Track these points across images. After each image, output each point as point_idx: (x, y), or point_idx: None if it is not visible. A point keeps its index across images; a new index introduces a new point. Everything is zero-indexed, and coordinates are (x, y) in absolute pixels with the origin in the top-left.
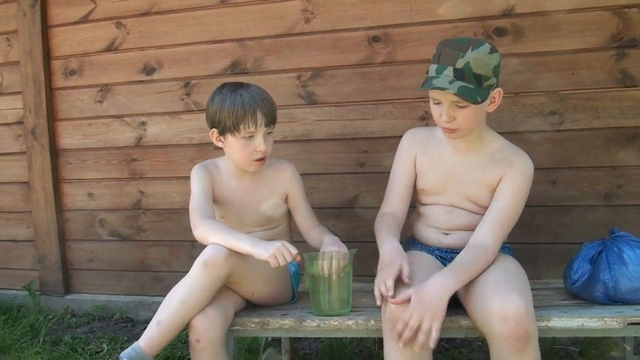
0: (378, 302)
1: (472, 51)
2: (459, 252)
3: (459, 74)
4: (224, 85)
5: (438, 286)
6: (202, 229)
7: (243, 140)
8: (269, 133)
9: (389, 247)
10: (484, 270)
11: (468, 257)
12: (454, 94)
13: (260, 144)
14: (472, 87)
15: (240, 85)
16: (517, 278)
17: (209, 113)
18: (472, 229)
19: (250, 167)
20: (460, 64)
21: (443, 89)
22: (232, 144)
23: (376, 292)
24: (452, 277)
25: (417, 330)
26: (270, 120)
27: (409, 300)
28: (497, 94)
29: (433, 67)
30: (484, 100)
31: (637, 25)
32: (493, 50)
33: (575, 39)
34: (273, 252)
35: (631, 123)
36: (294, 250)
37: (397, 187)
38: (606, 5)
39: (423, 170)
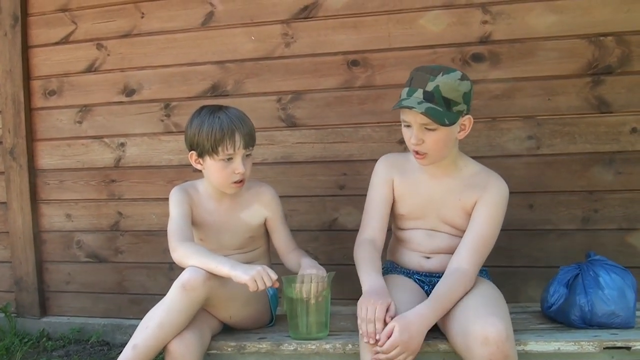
0: (365, 340)
1: (442, 76)
2: (438, 276)
3: (428, 96)
4: (202, 108)
5: (419, 322)
6: (181, 252)
7: (221, 162)
8: (247, 155)
9: (373, 283)
10: (463, 295)
11: (447, 287)
12: (421, 113)
13: (238, 166)
14: (441, 110)
15: (219, 107)
16: (496, 302)
17: (188, 135)
18: (453, 251)
19: (229, 189)
20: (430, 87)
21: (411, 107)
22: (211, 167)
23: (363, 330)
24: (433, 312)
25: None
26: (249, 142)
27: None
28: (467, 121)
29: (405, 91)
30: (452, 123)
31: (613, 53)
32: (464, 77)
33: (552, 66)
34: (253, 276)
35: (607, 148)
36: (274, 276)
37: (375, 213)
38: (582, 34)
39: (402, 196)
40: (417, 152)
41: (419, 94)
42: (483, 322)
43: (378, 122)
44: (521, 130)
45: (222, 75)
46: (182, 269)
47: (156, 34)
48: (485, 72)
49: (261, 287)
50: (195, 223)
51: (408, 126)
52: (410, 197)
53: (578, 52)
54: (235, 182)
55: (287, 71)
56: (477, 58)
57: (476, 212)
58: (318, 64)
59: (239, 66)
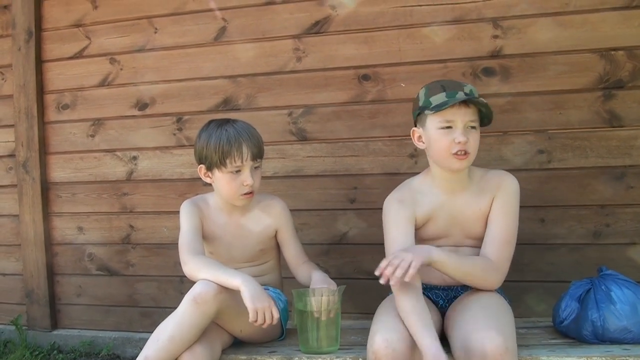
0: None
1: (467, 84)
2: (457, 289)
3: (470, 95)
4: (210, 122)
5: (424, 247)
6: (192, 265)
7: (230, 174)
8: (256, 167)
9: (432, 344)
10: (468, 304)
11: (468, 257)
12: (485, 102)
13: (247, 178)
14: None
15: (227, 121)
16: (498, 314)
17: (197, 149)
18: None
19: (238, 201)
20: (467, 89)
21: (476, 98)
22: (220, 179)
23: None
24: (440, 252)
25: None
26: (257, 154)
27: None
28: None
29: (440, 95)
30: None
31: (624, 67)
32: None
33: (563, 80)
34: (257, 308)
35: (618, 162)
36: (276, 315)
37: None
38: (593, 48)
39: (425, 222)
40: (462, 152)
41: (461, 95)
42: (482, 336)
43: (389, 136)
44: (532, 144)
45: (234, 90)
46: (193, 282)
47: (169, 48)
48: (497, 86)
49: (260, 321)
50: (205, 236)
51: (448, 127)
52: (434, 222)
53: (589, 66)
54: (244, 194)
55: (298, 85)
56: (488, 72)
57: (493, 211)
58: (329, 78)
59: (250, 80)
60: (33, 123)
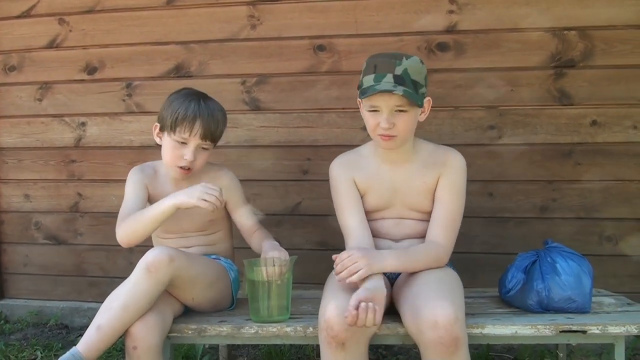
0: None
1: (406, 60)
2: None
3: (399, 80)
4: (186, 89)
5: (379, 256)
6: (123, 227)
7: (175, 143)
8: (203, 148)
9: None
10: (418, 277)
11: (419, 248)
12: (401, 95)
13: (188, 153)
14: (413, 92)
15: (201, 95)
16: (449, 286)
17: (161, 108)
18: (422, 236)
19: (174, 171)
20: (398, 70)
21: (390, 91)
22: (166, 143)
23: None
24: (393, 257)
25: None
26: (207, 135)
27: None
28: (427, 103)
29: (370, 77)
30: (421, 105)
31: (576, 47)
32: (422, 61)
33: (516, 57)
34: (199, 197)
35: (567, 140)
36: (216, 187)
37: (353, 216)
38: (547, 27)
39: (366, 191)
40: (386, 136)
41: (389, 78)
42: (432, 305)
43: (343, 108)
44: (483, 119)
45: (185, 56)
46: (143, 251)
47: (120, 10)
48: (450, 62)
49: (213, 200)
50: (153, 203)
51: (375, 111)
52: (375, 191)
53: (542, 45)
54: (180, 167)
55: (252, 54)
56: (443, 47)
57: (440, 189)
58: (284, 47)
59: (203, 47)
60: None
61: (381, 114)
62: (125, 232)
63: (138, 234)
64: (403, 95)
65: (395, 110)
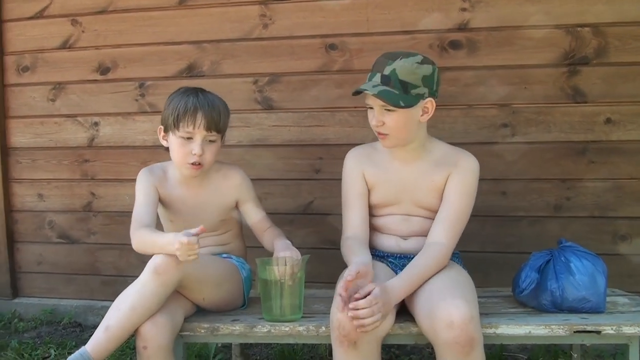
0: (339, 290)
1: (400, 60)
2: (413, 257)
3: (384, 80)
4: (185, 88)
5: (392, 292)
6: (134, 241)
7: (181, 140)
8: (210, 141)
9: (360, 259)
10: (431, 277)
11: (421, 262)
12: (372, 95)
13: (196, 147)
14: (396, 93)
15: (197, 89)
16: (463, 285)
17: (163, 110)
18: (428, 234)
19: (185, 169)
20: (387, 70)
21: (362, 90)
22: (172, 143)
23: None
24: (403, 285)
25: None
26: (211, 126)
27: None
28: (429, 104)
29: (368, 76)
30: (408, 105)
31: (589, 44)
32: (425, 62)
33: (529, 55)
34: (184, 258)
35: (580, 138)
36: (193, 239)
37: (354, 209)
38: (560, 24)
39: (375, 186)
40: (379, 133)
41: (377, 78)
42: (448, 305)
43: (355, 107)
44: (496, 117)
45: (198, 55)
46: None
47: (132, 11)
48: (463, 60)
49: (191, 259)
50: (164, 204)
51: (371, 108)
52: (383, 186)
53: (555, 42)
54: (191, 164)
55: (264, 53)
56: (455, 45)
57: (448, 189)
58: (295, 46)
59: (215, 47)
60: None
61: (372, 111)
62: (138, 247)
63: (148, 253)
64: (377, 95)
65: (385, 109)
